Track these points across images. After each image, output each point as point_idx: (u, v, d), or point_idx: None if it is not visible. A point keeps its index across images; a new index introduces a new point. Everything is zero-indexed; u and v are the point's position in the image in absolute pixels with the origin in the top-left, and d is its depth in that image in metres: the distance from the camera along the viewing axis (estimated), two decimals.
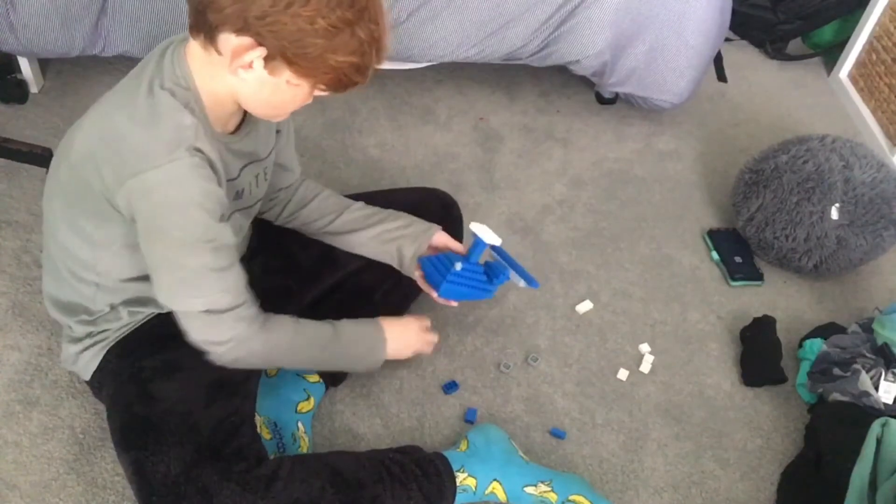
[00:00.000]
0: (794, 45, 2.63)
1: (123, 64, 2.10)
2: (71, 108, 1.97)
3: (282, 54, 0.95)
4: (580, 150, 2.11)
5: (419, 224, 1.37)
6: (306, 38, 0.93)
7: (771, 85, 2.47)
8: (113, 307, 1.18)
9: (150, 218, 1.00)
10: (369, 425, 1.44)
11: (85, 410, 1.38)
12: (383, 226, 1.36)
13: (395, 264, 1.38)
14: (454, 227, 1.56)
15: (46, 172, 1.72)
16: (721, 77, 2.45)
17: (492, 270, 1.31)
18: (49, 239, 1.18)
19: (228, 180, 1.12)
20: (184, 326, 1.07)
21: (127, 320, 1.19)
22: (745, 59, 2.56)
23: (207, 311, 1.04)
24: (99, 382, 1.22)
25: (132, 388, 1.16)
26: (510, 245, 1.81)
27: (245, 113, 1.13)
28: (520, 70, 2.30)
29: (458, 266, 1.26)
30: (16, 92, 1.95)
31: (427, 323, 1.37)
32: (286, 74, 0.98)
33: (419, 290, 1.57)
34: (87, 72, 2.07)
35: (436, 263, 1.30)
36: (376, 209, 1.40)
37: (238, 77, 0.98)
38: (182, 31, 1.83)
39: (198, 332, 1.07)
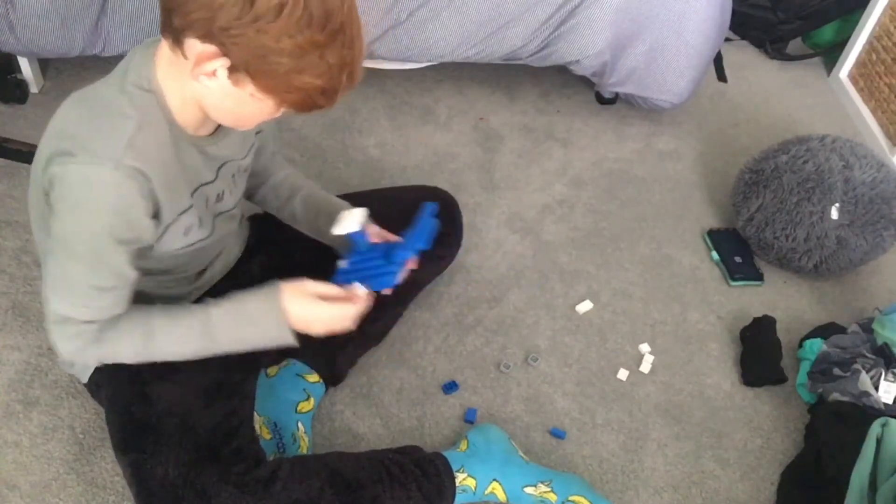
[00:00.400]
0: (794, 45, 2.63)
1: None
2: None
3: (245, 68, 0.91)
4: (580, 150, 2.11)
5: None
6: (271, 56, 0.89)
7: (771, 85, 2.47)
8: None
9: (55, 204, 0.96)
10: (369, 425, 1.44)
11: (85, 410, 1.38)
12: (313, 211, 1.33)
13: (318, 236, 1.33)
14: (454, 225, 1.57)
15: None
16: (721, 77, 2.45)
17: (388, 255, 1.18)
18: (38, 244, 1.16)
19: (204, 184, 1.10)
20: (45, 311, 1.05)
21: None
22: (745, 59, 2.56)
23: (63, 315, 1.02)
24: (97, 385, 1.22)
25: (130, 390, 1.16)
26: (510, 245, 1.81)
27: None
28: (520, 70, 2.30)
29: (343, 263, 1.19)
30: (16, 92, 1.95)
31: (337, 292, 1.14)
32: (250, 88, 0.93)
33: (418, 289, 1.58)
34: (87, 72, 2.07)
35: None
36: (322, 196, 1.35)
37: (201, 84, 0.95)
38: None
39: (50, 327, 1.04)
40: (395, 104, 2.16)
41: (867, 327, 1.58)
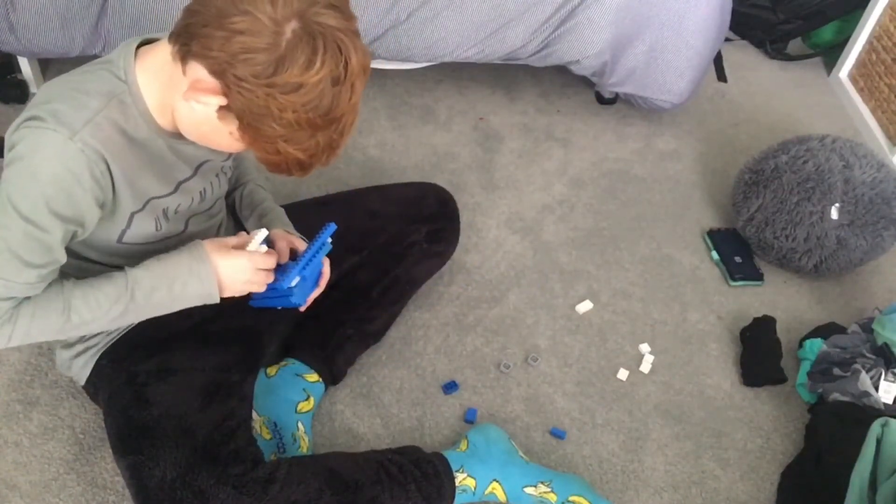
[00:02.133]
0: (794, 45, 2.63)
1: None
2: None
3: (238, 116, 0.92)
4: (580, 150, 2.11)
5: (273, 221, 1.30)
6: (268, 119, 0.91)
7: (771, 85, 2.47)
8: None
9: (8, 165, 0.95)
10: (369, 425, 1.44)
11: (85, 410, 1.38)
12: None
13: None
14: (451, 222, 1.56)
15: None
16: (721, 77, 2.45)
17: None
18: None
19: (183, 180, 1.10)
20: None
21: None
22: (745, 59, 2.56)
23: None
24: (94, 387, 1.22)
25: (127, 392, 1.16)
26: (510, 245, 1.81)
27: None
28: (520, 70, 2.30)
29: (294, 282, 1.17)
30: (16, 92, 1.95)
31: (264, 260, 1.12)
32: (233, 128, 0.95)
33: (416, 286, 1.58)
34: None
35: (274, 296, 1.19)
36: (267, 207, 1.33)
37: (187, 104, 0.95)
38: None
39: None
40: (395, 104, 2.16)
41: (867, 327, 1.58)
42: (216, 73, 0.90)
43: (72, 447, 1.33)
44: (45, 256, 0.98)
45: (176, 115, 0.99)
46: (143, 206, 1.06)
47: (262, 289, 1.14)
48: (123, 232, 1.07)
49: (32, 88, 2.00)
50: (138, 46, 1.01)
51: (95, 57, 1.88)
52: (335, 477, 1.16)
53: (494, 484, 1.30)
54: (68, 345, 1.21)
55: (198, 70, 0.91)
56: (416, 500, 1.20)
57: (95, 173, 0.96)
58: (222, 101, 0.91)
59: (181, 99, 0.95)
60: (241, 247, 1.11)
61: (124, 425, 1.15)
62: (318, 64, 0.88)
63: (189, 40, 0.91)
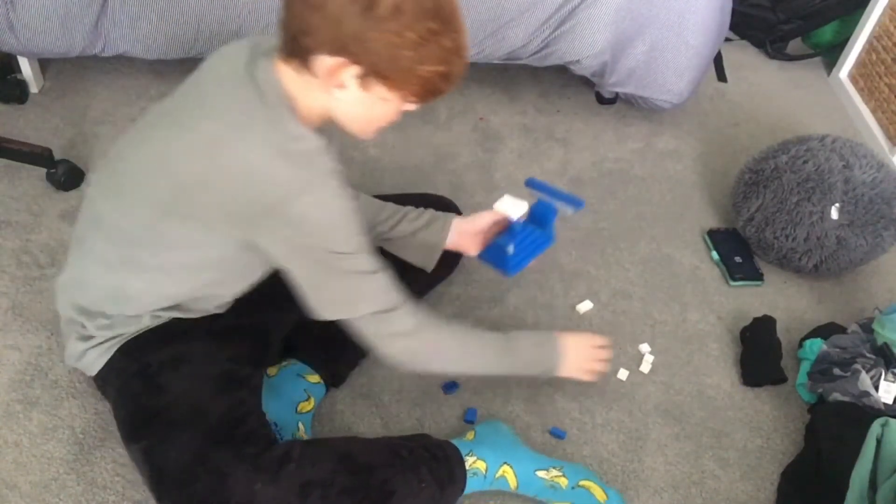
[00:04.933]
0: (794, 45, 2.64)
1: (123, 64, 2.10)
2: (71, 108, 1.97)
3: (374, 70, 0.99)
4: (580, 150, 2.11)
5: (434, 223, 1.42)
6: (397, 51, 0.97)
7: (771, 85, 2.47)
8: (138, 315, 1.18)
9: (304, 241, 1.04)
10: (369, 425, 1.44)
11: (85, 410, 1.38)
12: (404, 230, 1.42)
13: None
14: None
15: (47, 172, 1.74)
16: (721, 77, 2.45)
17: (539, 219, 1.38)
18: (96, 242, 1.15)
19: None
20: (358, 331, 1.14)
21: (147, 324, 1.19)
22: (745, 59, 2.56)
23: (376, 313, 1.11)
24: (104, 379, 1.22)
25: (139, 381, 1.17)
26: None
27: None
28: (520, 70, 2.30)
29: (511, 249, 1.35)
30: (16, 92, 1.95)
31: (599, 341, 1.38)
32: (378, 90, 1.02)
33: (423, 293, 1.57)
34: (87, 72, 2.07)
35: (492, 254, 1.39)
36: (397, 207, 1.44)
37: (333, 97, 1.03)
38: (182, 30, 1.83)
39: (373, 332, 1.14)
40: None
41: (867, 327, 1.58)
42: (336, 49, 0.97)
43: (72, 447, 1.33)
44: (378, 259, 1.12)
45: (335, 116, 1.08)
46: None
47: (601, 368, 1.37)
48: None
49: (32, 88, 2.00)
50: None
51: (95, 57, 1.89)
52: (349, 458, 1.16)
53: (505, 467, 1.30)
54: (87, 337, 1.21)
55: (322, 62, 0.98)
56: (429, 482, 1.20)
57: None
58: (356, 69, 0.99)
59: (328, 97, 1.04)
60: (497, 224, 1.38)
61: (136, 412, 1.15)
62: None
63: (300, 42, 0.98)
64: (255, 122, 1.00)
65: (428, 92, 1.05)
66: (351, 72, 0.99)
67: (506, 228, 1.39)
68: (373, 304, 1.12)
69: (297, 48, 1.00)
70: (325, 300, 1.11)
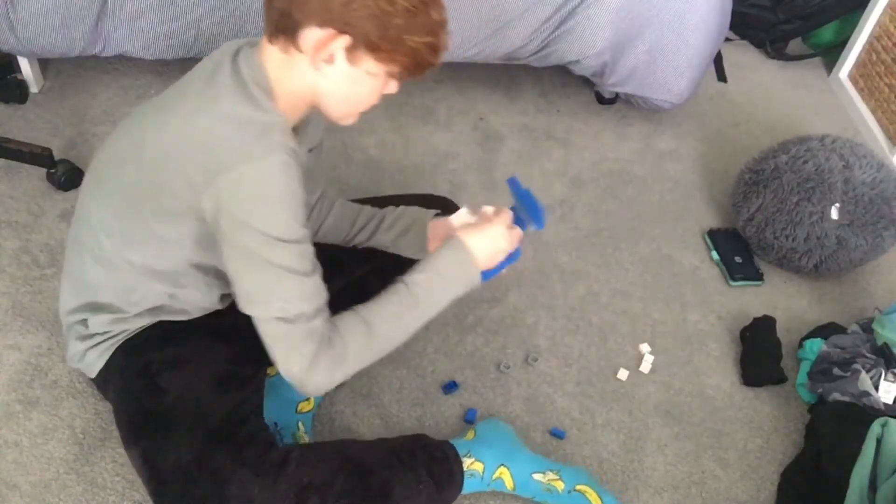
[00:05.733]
0: (794, 45, 2.64)
1: (123, 64, 2.10)
2: (71, 108, 1.97)
3: (364, 40, 0.98)
4: (580, 150, 2.11)
5: (412, 229, 1.37)
6: (387, 19, 0.96)
7: (771, 85, 2.47)
8: (140, 313, 1.18)
9: (235, 213, 0.98)
10: (369, 425, 1.44)
11: (85, 410, 1.38)
12: (383, 240, 1.38)
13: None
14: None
15: (47, 172, 1.74)
16: (721, 77, 2.45)
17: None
18: (87, 238, 1.16)
19: None
20: (262, 336, 1.04)
21: (146, 324, 1.19)
22: (745, 59, 2.56)
23: (280, 319, 1.01)
24: (104, 379, 1.22)
25: (140, 381, 1.16)
26: None
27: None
28: (520, 70, 2.30)
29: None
30: (16, 92, 1.95)
31: (508, 218, 1.20)
32: (366, 63, 1.01)
33: None
34: (87, 72, 2.07)
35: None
36: (374, 212, 1.40)
37: (320, 73, 1.01)
38: (182, 30, 1.83)
39: (276, 340, 1.03)
40: (395, 104, 2.16)
41: (867, 327, 1.58)
42: (325, 20, 0.96)
43: (72, 447, 1.33)
44: (314, 262, 1.04)
45: (320, 97, 1.05)
46: None
47: (517, 245, 1.20)
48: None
49: (32, 88, 1.99)
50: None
51: (95, 57, 1.89)
52: (348, 460, 1.16)
53: (502, 469, 1.30)
54: (86, 336, 1.21)
55: (310, 34, 0.98)
56: (427, 483, 1.20)
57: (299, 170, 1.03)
58: (345, 40, 0.98)
59: (314, 75, 1.01)
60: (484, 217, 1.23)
61: (136, 413, 1.15)
62: None
63: (289, 17, 0.97)
64: (223, 97, 1.00)
65: (416, 64, 1.03)
66: (340, 43, 0.98)
67: None
68: (285, 307, 1.00)
69: (284, 23, 0.98)
70: (242, 290, 1.02)
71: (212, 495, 1.08)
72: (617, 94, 2.24)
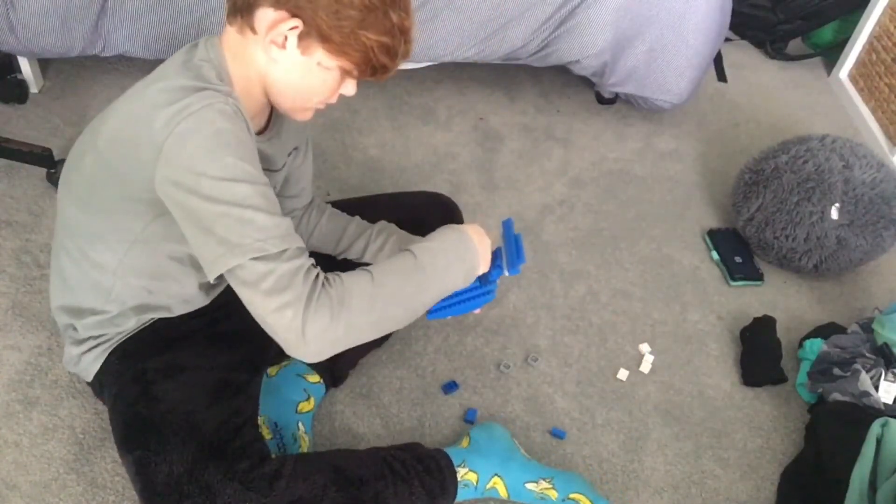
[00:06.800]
0: (794, 45, 2.64)
1: (123, 64, 2.10)
2: (71, 108, 1.97)
3: (316, 28, 0.97)
4: (580, 150, 2.11)
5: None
6: (342, 10, 0.95)
7: (771, 85, 2.47)
8: (122, 311, 1.17)
9: (188, 167, 0.93)
10: (369, 425, 1.44)
11: (85, 410, 1.38)
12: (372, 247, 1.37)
13: None
14: None
15: (47, 172, 1.74)
16: (721, 77, 2.45)
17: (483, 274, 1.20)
18: (64, 239, 1.16)
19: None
20: (240, 294, 0.96)
21: (133, 325, 1.19)
22: (745, 59, 2.56)
23: (260, 259, 0.92)
24: (100, 384, 1.22)
25: (135, 389, 1.16)
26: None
27: (270, 115, 1.13)
28: (520, 70, 2.30)
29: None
30: (16, 92, 1.95)
31: (488, 243, 1.18)
32: (318, 54, 0.99)
33: None
34: (87, 72, 2.07)
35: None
36: (364, 226, 1.38)
37: (270, 57, 1.00)
38: (182, 30, 1.83)
39: (265, 302, 0.94)
40: (395, 104, 2.16)
41: (867, 327, 1.58)
42: (280, 1, 0.95)
43: (72, 447, 1.33)
44: (278, 205, 0.99)
45: (270, 86, 1.04)
46: None
47: (487, 267, 1.17)
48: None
49: (32, 88, 2.00)
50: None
51: (95, 57, 1.89)
52: (340, 473, 1.16)
53: (496, 479, 1.30)
54: (80, 341, 1.21)
55: (264, 15, 0.97)
56: (420, 495, 1.20)
57: (250, 131, 1.01)
58: (296, 23, 0.96)
59: (265, 59, 1.00)
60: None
61: (131, 421, 1.15)
62: None
63: None
64: (171, 74, 1.00)
65: (368, 64, 1.01)
66: (291, 25, 0.96)
67: None
68: (263, 246, 0.93)
69: (242, 2, 0.98)
70: (211, 247, 0.94)
71: None
72: (617, 94, 2.24)
